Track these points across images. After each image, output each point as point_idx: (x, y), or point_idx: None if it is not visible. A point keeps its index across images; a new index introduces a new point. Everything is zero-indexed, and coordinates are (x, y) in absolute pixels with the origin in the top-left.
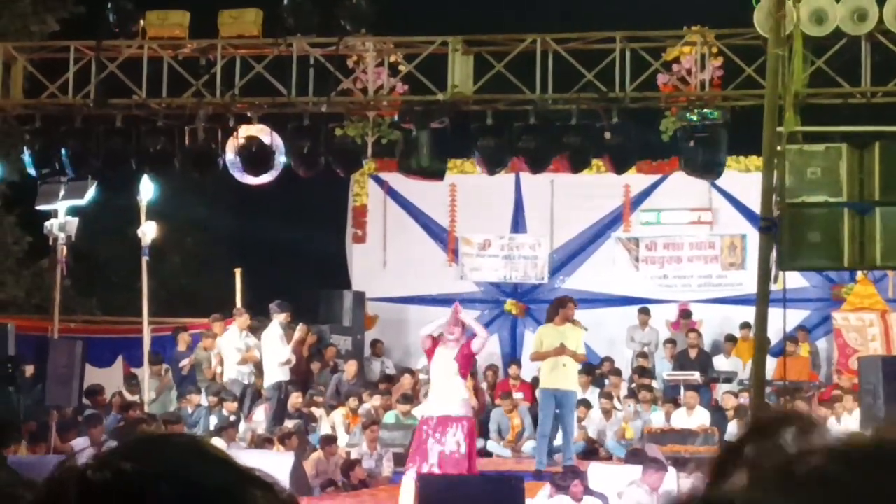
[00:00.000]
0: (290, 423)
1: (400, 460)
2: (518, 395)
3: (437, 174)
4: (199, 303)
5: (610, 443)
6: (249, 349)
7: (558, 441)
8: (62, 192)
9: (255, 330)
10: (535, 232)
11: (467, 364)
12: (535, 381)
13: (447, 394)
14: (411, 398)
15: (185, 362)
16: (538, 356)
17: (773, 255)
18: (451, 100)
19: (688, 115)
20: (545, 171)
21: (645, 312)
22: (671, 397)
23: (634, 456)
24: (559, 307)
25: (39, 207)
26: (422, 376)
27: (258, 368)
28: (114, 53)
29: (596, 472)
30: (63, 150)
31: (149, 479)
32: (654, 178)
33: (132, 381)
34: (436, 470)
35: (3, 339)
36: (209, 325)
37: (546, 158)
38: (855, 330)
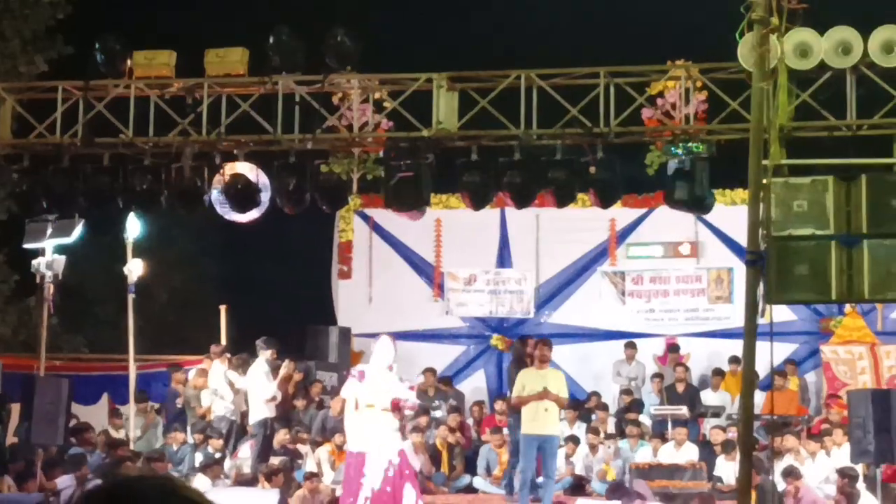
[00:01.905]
0: (275, 460)
1: None
2: (506, 431)
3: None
4: (186, 340)
5: (594, 483)
6: (232, 386)
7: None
8: (49, 231)
9: (239, 366)
10: (521, 266)
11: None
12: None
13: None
14: None
15: (179, 400)
16: (520, 401)
17: (761, 288)
18: (435, 136)
19: (673, 148)
20: (530, 206)
21: (631, 346)
22: (659, 432)
23: (615, 491)
24: (533, 349)
25: (27, 246)
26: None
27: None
28: (101, 93)
29: None
30: (50, 189)
31: None
32: (640, 211)
33: (116, 416)
34: None
35: None
36: (201, 361)
37: (531, 193)
38: (844, 363)
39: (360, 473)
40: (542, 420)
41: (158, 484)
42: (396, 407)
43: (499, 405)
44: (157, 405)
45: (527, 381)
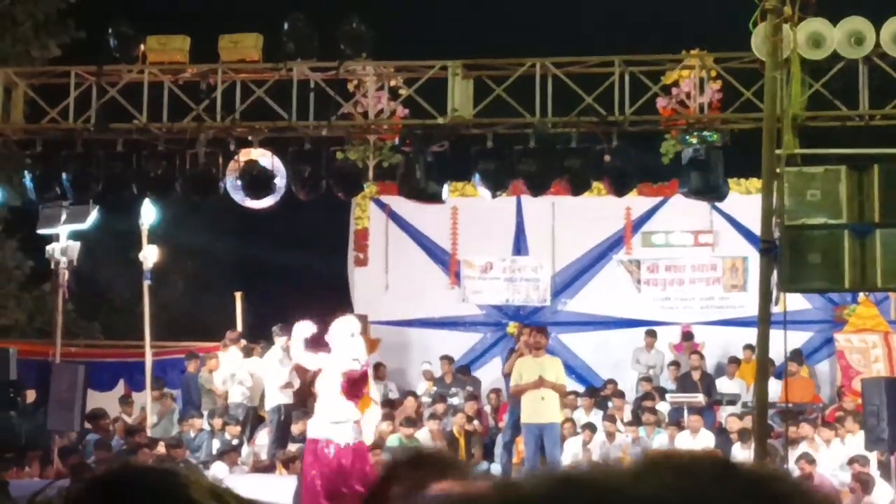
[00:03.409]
0: (293, 447)
1: None
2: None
3: (436, 197)
4: (201, 326)
5: None
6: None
7: None
8: (63, 217)
9: (255, 353)
10: (537, 254)
11: (352, 386)
12: None
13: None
14: (415, 421)
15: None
16: (518, 390)
17: (774, 276)
18: (451, 123)
19: (687, 137)
20: (546, 194)
21: (651, 335)
22: (675, 420)
23: None
24: (529, 336)
25: (41, 232)
26: (425, 399)
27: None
28: (114, 78)
29: None
30: (64, 175)
31: None
32: (656, 200)
33: (126, 401)
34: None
35: (4, 363)
36: (219, 348)
37: (546, 181)
38: (857, 351)
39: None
40: (541, 409)
41: (159, 479)
42: (350, 385)
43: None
44: (173, 392)
45: (524, 369)
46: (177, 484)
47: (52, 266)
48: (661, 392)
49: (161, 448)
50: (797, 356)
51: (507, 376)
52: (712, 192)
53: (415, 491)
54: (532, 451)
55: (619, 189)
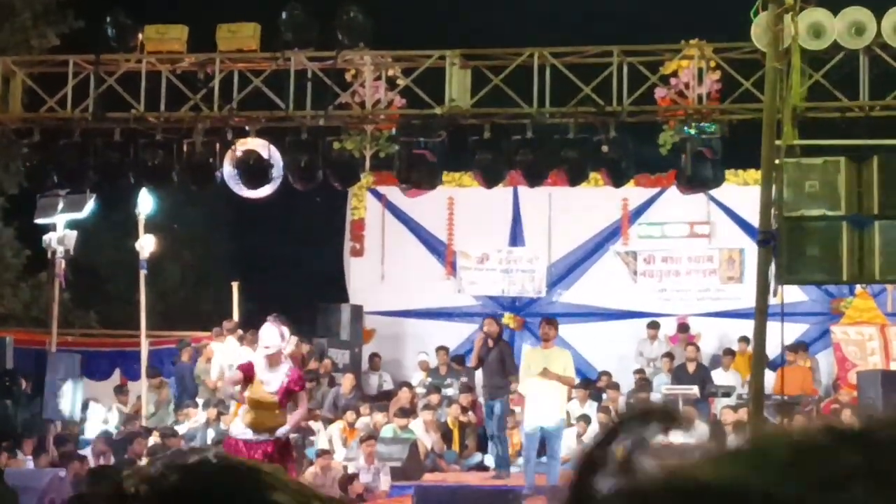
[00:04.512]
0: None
1: (397, 474)
2: (517, 409)
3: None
4: (197, 316)
5: None
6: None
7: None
8: (60, 206)
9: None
10: (533, 245)
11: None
12: None
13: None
14: (409, 412)
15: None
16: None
17: (772, 268)
18: (448, 113)
19: (686, 128)
20: (543, 185)
21: (654, 326)
22: None
23: None
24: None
25: (38, 221)
26: (419, 390)
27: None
28: (112, 67)
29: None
30: (61, 164)
31: None
32: (653, 191)
33: (122, 391)
34: None
35: (1, 352)
36: (212, 337)
37: (544, 172)
38: (854, 344)
39: None
40: (543, 410)
41: (248, 470)
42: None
43: (511, 385)
44: (168, 381)
45: (531, 361)
46: (262, 483)
47: (49, 255)
48: (648, 386)
49: (156, 437)
50: (800, 347)
51: (474, 369)
52: (709, 184)
53: (639, 445)
54: (532, 448)
55: (617, 180)
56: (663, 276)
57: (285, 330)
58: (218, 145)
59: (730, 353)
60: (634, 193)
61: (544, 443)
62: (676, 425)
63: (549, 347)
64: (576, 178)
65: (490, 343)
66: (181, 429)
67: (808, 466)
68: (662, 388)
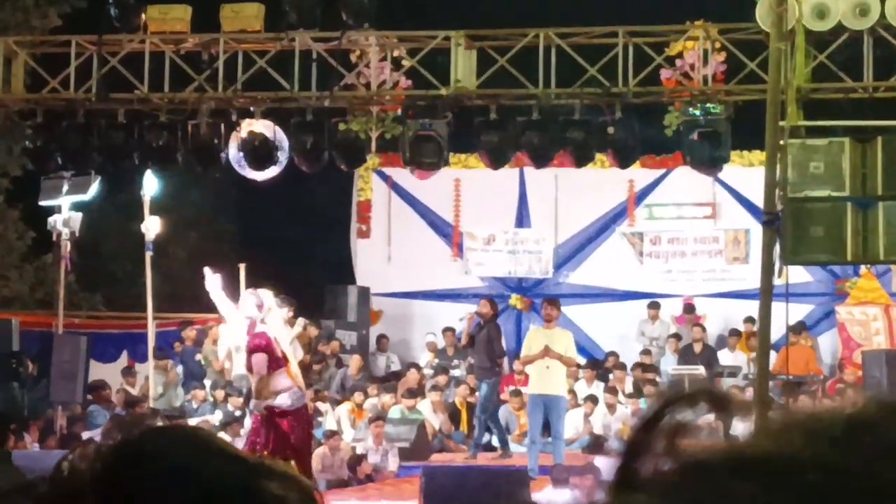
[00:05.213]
0: None
1: (405, 455)
2: (524, 389)
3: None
4: (204, 298)
5: (612, 442)
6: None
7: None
8: (65, 188)
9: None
10: (540, 227)
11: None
12: None
13: None
14: (417, 393)
15: (198, 356)
16: (526, 360)
17: (777, 249)
18: (454, 94)
19: (691, 109)
20: (549, 166)
21: (655, 306)
22: None
23: None
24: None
25: (43, 203)
26: (427, 371)
27: None
28: (115, 48)
29: (602, 467)
30: (65, 146)
31: (162, 476)
32: (659, 172)
33: (130, 372)
34: None
35: (7, 334)
36: (219, 319)
37: (549, 153)
38: (858, 324)
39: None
40: (546, 380)
41: (193, 434)
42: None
43: (517, 365)
44: (175, 363)
45: (533, 340)
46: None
47: (54, 237)
48: (653, 366)
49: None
50: (801, 327)
51: (463, 348)
52: (715, 164)
53: (685, 427)
54: (536, 422)
55: (623, 161)
56: (669, 256)
57: (266, 299)
58: (223, 127)
59: (736, 333)
60: (640, 175)
61: (548, 425)
62: (724, 406)
63: (551, 328)
64: (582, 160)
65: (481, 324)
66: (192, 410)
67: (863, 438)
68: (669, 368)
